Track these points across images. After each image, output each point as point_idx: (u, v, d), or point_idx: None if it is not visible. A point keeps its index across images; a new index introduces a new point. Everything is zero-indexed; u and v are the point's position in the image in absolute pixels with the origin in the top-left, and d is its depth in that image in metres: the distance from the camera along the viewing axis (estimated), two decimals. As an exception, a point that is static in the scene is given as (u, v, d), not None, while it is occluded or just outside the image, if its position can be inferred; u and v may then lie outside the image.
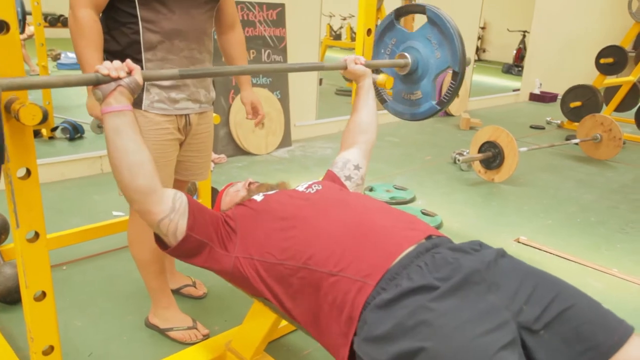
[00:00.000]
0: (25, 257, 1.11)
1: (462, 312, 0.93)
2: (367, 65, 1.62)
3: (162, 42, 1.49)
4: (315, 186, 1.37)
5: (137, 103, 1.49)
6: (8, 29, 1.04)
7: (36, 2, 3.50)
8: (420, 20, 1.81)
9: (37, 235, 1.12)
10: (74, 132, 3.92)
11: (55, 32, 7.50)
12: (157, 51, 1.49)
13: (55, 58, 6.86)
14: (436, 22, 1.68)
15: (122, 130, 1.10)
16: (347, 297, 1.03)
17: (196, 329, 1.80)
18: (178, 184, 1.83)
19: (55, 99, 3.94)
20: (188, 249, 1.20)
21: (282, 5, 4.11)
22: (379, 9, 7.04)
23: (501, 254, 1.09)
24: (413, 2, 1.65)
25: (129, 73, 1.12)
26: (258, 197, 1.33)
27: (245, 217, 1.26)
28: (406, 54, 1.76)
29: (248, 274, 1.19)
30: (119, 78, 1.10)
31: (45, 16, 6.97)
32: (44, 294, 1.16)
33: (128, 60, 1.13)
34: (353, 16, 8.85)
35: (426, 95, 1.79)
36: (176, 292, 2.05)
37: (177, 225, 1.16)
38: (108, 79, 1.09)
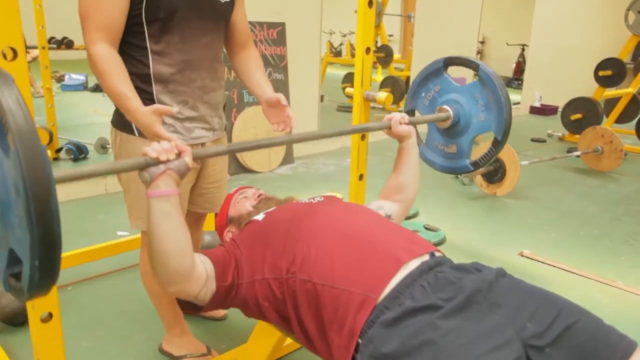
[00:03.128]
0: (33, 279, 1.12)
1: (466, 331, 0.93)
2: (410, 123, 1.58)
3: (173, 74, 1.45)
4: (317, 198, 1.39)
5: None
6: (16, 55, 1.07)
7: (41, 26, 3.56)
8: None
9: (44, 257, 1.13)
10: (78, 153, 3.95)
11: (59, 55, 7.60)
12: (169, 83, 1.46)
13: (59, 80, 6.95)
14: (487, 84, 1.63)
15: (171, 215, 1.07)
16: (348, 310, 1.04)
17: (210, 355, 1.79)
18: (197, 216, 1.82)
19: (60, 120, 3.99)
20: (219, 300, 1.21)
21: (283, 24, 4.16)
22: (377, 26, 7.13)
23: (501, 273, 1.10)
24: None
25: (179, 154, 1.09)
26: (259, 217, 1.34)
27: (249, 242, 1.27)
28: (448, 107, 1.71)
29: (259, 298, 1.21)
30: (167, 161, 1.06)
31: (50, 39, 7.07)
32: (50, 315, 1.17)
33: (178, 142, 1.10)
34: (353, 33, 8.94)
35: (461, 153, 1.76)
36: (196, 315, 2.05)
37: (212, 288, 1.18)
38: (156, 163, 1.06)
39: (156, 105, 1.28)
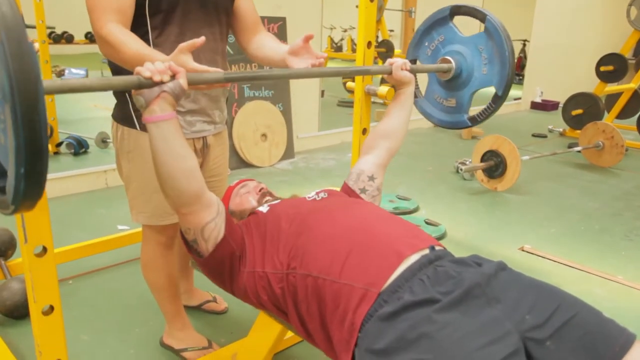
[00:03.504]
0: (34, 271, 1.13)
1: (463, 325, 0.93)
2: (411, 70, 1.56)
3: None
4: (321, 194, 1.39)
5: None
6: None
7: (41, 20, 3.55)
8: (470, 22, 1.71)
9: (45, 249, 1.13)
10: (79, 147, 3.95)
11: (60, 49, 7.60)
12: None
13: (60, 74, 6.92)
14: (493, 36, 1.58)
15: (170, 138, 1.07)
16: (349, 305, 1.04)
17: (211, 348, 1.79)
18: None
19: (60, 114, 3.98)
20: (221, 257, 1.21)
21: (283, 19, 4.15)
22: (378, 21, 7.11)
23: (501, 267, 1.09)
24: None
25: (173, 76, 1.06)
26: (263, 209, 1.34)
27: (252, 232, 1.27)
28: (450, 58, 1.66)
29: (258, 289, 1.21)
30: (162, 82, 1.04)
31: (50, 33, 7.05)
32: (52, 308, 1.18)
33: (172, 62, 1.07)
34: (354, 28, 8.92)
35: (460, 107, 1.72)
36: (197, 308, 2.06)
37: (219, 229, 1.19)
38: (150, 83, 1.03)
39: (180, 45, 1.19)
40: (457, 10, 1.70)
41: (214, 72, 1.17)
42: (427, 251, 1.11)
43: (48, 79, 0.90)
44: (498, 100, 1.64)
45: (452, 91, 1.73)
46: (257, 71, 1.23)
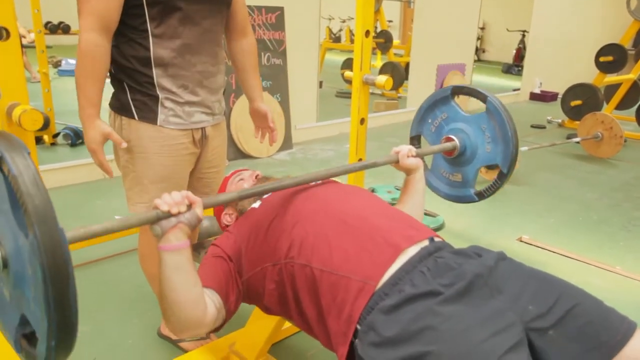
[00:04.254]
0: (29, 262, 1.12)
1: (467, 316, 0.93)
2: (417, 155, 1.54)
3: (173, 58, 1.44)
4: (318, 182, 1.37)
5: (152, 118, 1.47)
6: (8, 35, 1.05)
7: (36, 9, 3.51)
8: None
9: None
10: (76, 138, 3.93)
11: (56, 39, 7.55)
12: (169, 67, 1.44)
13: (56, 65, 6.89)
14: (495, 116, 1.61)
15: (182, 268, 1.05)
16: (347, 297, 1.03)
17: (208, 339, 1.79)
18: None
19: (57, 105, 3.96)
20: (233, 311, 1.21)
21: (281, 9, 4.12)
22: (377, 11, 7.07)
23: (502, 257, 1.09)
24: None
25: (189, 206, 1.06)
26: (256, 205, 1.33)
27: (248, 232, 1.25)
28: (454, 137, 1.69)
29: (258, 287, 1.21)
30: (179, 213, 1.04)
31: (46, 23, 7.00)
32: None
33: (189, 193, 1.07)
34: (352, 18, 8.87)
35: (466, 182, 1.75)
36: None
37: (223, 314, 1.17)
38: (168, 216, 1.03)
39: (109, 130, 1.39)
40: (458, 91, 1.74)
41: (229, 194, 1.20)
42: (426, 243, 1.10)
43: (72, 230, 0.92)
44: (503, 177, 1.67)
45: (458, 167, 1.76)
46: (270, 184, 1.23)
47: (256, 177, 1.49)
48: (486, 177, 3.71)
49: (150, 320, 1.92)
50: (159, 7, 1.38)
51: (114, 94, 1.51)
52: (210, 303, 1.13)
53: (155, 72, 1.44)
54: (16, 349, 0.87)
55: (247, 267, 1.22)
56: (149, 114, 1.47)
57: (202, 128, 1.58)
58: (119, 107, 1.49)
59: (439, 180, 1.83)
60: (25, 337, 0.86)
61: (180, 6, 1.40)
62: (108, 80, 1.44)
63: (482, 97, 1.66)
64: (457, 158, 1.73)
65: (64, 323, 0.78)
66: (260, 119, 1.79)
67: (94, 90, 1.36)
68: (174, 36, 1.43)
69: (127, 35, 1.41)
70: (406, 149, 1.52)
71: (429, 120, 1.81)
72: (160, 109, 1.47)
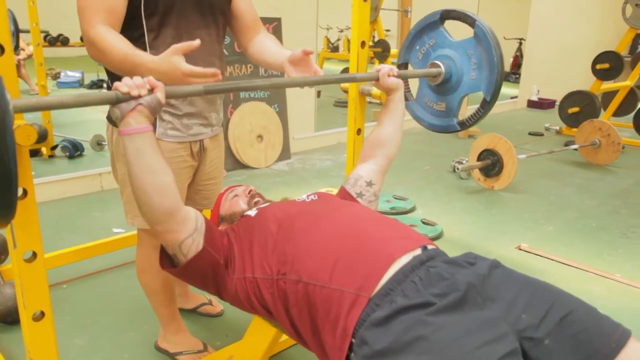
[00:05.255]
0: (23, 277, 1.11)
1: (459, 326, 0.92)
2: (400, 76, 1.55)
3: None
4: (312, 197, 1.38)
5: None
6: (3, 51, 1.05)
7: (35, 22, 3.53)
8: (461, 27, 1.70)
9: (34, 255, 1.11)
10: (74, 150, 3.93)
11: (55, 52, 7.58)
12: None
13: (55, 77, 6.91)
14: (482, 42, 1.59)
15: (144, 152, 1.06)
16: (341, 310, 1.03)
17: (206, 351, 1.78)
18: None
19: (55, 117, 3.97)
20: (199, 267, 1.19)
21: (279, 20, 4.14)
22: (374, 21, 7.10)
23: (495, 265, 1.08)
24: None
25: (151, 90, 1.06)
26: (252, 213, 1.33)
27: (241, 236, 1.26)
28: (440, 63, 1.67)
29: (250, 294, 1.19)
30: (139, 96, 1.04)
31: (45, 36, 7.03)
32: (42, 314, 1.16)
33: (150, 77, 1.07)
34: (350, 28, 8.92)
35: (449, 111, 1.72)
36: (193, 311, 2.04)
37: (198, 243, 1.16)
38: (128, 97, 1.03)
39: (173, 45, 1.18)
40: (447, 15, 1.71)
41: (193, 85, 1.16)
42: (418, 251, 1.10)
43: (20, 98, 0.91)
44: (486, 105, 1.64)
45: (442, 95, 1.73)
46: (237, 82, 1.22)
47: (249, 192, 1.50)
48: (484, 186, 3.71)
49: (146, 334, 1.90)
50: (156, 19, 1.39)
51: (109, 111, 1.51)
52: (190, 212, 1.15)
53: None
54: None
55: (237, 264, 1.21)
56: None
57: (200, 140, 1.57)
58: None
59: (424, 109, 1.81)
60: None
61: (177, 17, 1.41)
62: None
63: (470, 21, 1.63)
64: (442, 85, 1.70)
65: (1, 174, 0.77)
66: (300, 70, 1.47)
67: (132, 48, 1.25)
68: (169, 46, 1.42)
69: None
70: (387, 67, 1.53)
71: (417, 47, 1.78)
72: (158, 122, 1.47)
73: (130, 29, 1.38)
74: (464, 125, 1.71)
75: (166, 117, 1.47)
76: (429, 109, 1.78)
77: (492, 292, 1.00)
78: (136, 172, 1.07)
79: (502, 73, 1.59)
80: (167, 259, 1.22)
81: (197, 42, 1.18)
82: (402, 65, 1.84)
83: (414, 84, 1.87)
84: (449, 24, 1.77)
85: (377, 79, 1.54)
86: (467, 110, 6.41)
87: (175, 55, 1.18)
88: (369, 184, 1.49)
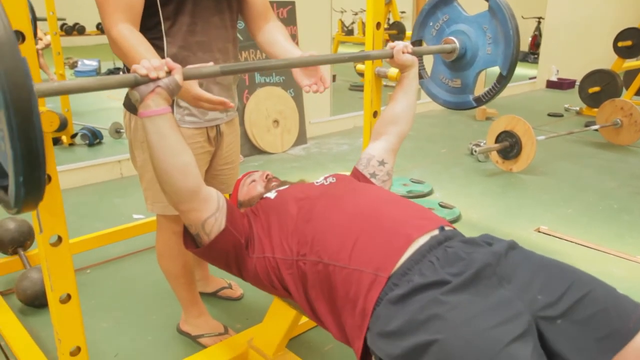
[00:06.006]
0: (50, 260, 1.14)
1: (474, 305, 0.93)
2: (414, 53, 1.54)
3: (186, 57, 1.44)
4: (330, 179, 1.38)
5: None
6: (24, 39, 1.07)
7: (52, 11, 3.56)
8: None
9: (60, 239, 1.14)
10: (93, 138, 3.99)
11: (72, 41, 7.65)
12: (183, 66, 1.46)
13: (73, 66, 6.98)
14: (497, 15, 1.57)
15: (165, 133, 1.07)
16: (360, 290, 1.04)
17: (227, 334, 1.81)
18: None
19: (74, 105, 4.02)
20: (222, 247, 1.21)
21: (293, 3, 4.11)
22: (389, 3, 7.01)
23: (512, 246, 1.08)
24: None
25: (169, 72, 1.07)
26: (271, 195, 1.34)
27: (261, 217, 1.28)
28: (454, 39, 1.65)
29: (270, 274, 1.21)
30: (158, 78, 1.05)
31: (61, 25, 7.10)
32: (69, 297, 1.19)
33: (168, 59, 1.09)
34: (364, 10, 8.82)
35: (465, 87, 1.71)
36: (213, 295, 2.08)
37: (220, 223, 1.19)
38: (147, 80, 1.04)
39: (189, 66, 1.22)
40: None
41: (210, 66, 1.18)
42: (436, 232, 1.10)
43: (41, 82, 0.93)
44: (503, 80, 1.62)
45: (457, 71, 1.71)
46: (253, 62, 1.22)
47: (266, 176, 1.52)
48: (502, 168, 3.68)
49: (169, 317, 1.94)
50: (172, 6, 1.39)
51: (127, 93, 1.53)
52: (212, 191, 1.18)
53: None
54: None
55: (257, 244, 1.23)
56: None
57: (216, 125, 1.59)
58: (133, 106, 1.51)
59: (438, 87, 1.80)
60: (2, 189, 0.88)
61: (192, 4, 1.41)
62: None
63: None
64: (456, 62, 1.68)
65: (28, 153, 0.79)
66: (307, 72, 1.49)
67: (150, 53, 1.27)
68: (186, 34, 1.43)
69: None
70: (401, 44, 1.52)
71: (430, 23, 1.76)
72: (175, 108, 1.48)
73: (146, 17, 1.38)
74: (480, 101, 1.70)
75: (183, 103, 1.48)
76: (444, 85, 1.77)
77: (508, 272, 1.00)
78: (158, 154, 1.09)
79: (519, 46, 1.57)
80: (190, 240, 1.24)
81: (210, 64, 1.22)
82: (416, 43, 1.82)
83: (428, 61, 1.85)
84: (463, 0, 1.74)
85: (391, 56, 1.53)
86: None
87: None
88: (381, 163, 1.48)
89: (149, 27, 1.40)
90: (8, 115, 0.76)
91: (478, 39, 1.63)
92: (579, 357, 0.93)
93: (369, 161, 1.49)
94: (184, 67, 1.35)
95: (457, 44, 1.66)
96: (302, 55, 1.44)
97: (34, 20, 4.47)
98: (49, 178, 1.10)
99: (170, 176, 1.10)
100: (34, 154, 0.79)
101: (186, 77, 1.12)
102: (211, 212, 1.17)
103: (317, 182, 1.39)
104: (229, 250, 1.22)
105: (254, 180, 1.52)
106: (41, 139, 0.80)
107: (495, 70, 1.69)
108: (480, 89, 1.68)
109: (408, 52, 1.52)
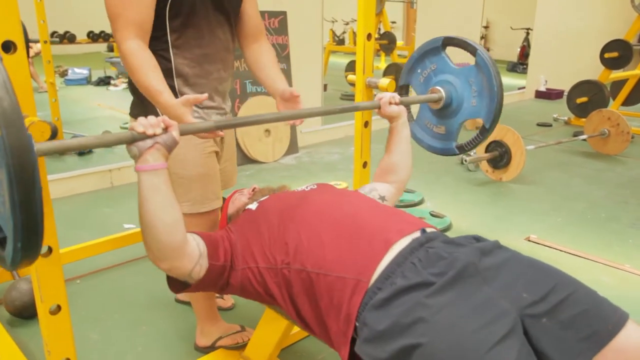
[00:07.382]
0: (40, 271, 1.13)
1: (458, 306, 0.94)
2: (401, 102, 1.58)
3: (193, 68, 1.48)
4: (310, 187, 1.41)
5: None
6: (15, 49, 1.07)
7: (42, 20, 3.55)
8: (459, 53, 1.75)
9: (50, 250, 1.14)
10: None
11: (62, 49, 7.61)
12: (189, 77, 1.48)
13: (63, 74, 6.95)
14: (483, 70, 1.63)
15: (159, 188, 1.08)
16: (343, 296, 1.05)
17: (245, 331, 1.80)
18: None
19: (64, 114, 4.00)
20: (210, 279, 1.21)
21: (284, 13, 4.14)
22: (380, 13, 7.08)
23: (497, 245, 1.10)
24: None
25: (165, 129, 1.09)
26: (253, 206, 1.36)
27: (243, 229, 1.28)
28: (441, 88, 1.71)
29: (253, 283, 1.22)
30: (154, 135, 1.06)
31: (52, 33, 7.07)
32: (59, 308, 1.18)
33: (165, 117, 1.11)
34: (355, 20, 8.88)
35: (449, 134, 1.77)
36: None
37: (204, 265, 1.19)
38: (144, 137, 1.06)
39: (185, 96, 1.28)
40: (448, 42, 1.74)
41: (205, 122, 1.24)
42: (418, 234, 1.11)
43: (43, 142, 0.98)
44: (485, 132, 1.70)
45: (442, 119, 1.78)
46: (247, 117, 1.29)
47: (253, 189, 1.55)
48: (492, 177, 3.71)
49: (159, 327, 1.93)
50: (179, 20, 1.42)
51: (134, 103, 1.55)
52: (192, 241, 1.17)
53: (177, 82, 1.48)
54: None
55: (240, 257, 1.23)
56: None
57: None
58: (143, 114, 1.52)
59: (423, 131, 1.84)
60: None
61: (198, 18, 1.44)
62: (120, 88, 1.45)
63: (471, 50, 1.66)
64: (442, 110, 1.73)
65: (28, 224, 0.82)
66: (288, 106, 1.57)
67: (156, 79, 1.32)
68: (192, 47, 1.47)
69: (149, 47, 1.41)
70: (388, 95, 1.56)
71: (418, 71, 1.81)
72: None
73: (155, 29, 1.41)
74: (462, 149, 1.76)
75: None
76: (429, 131, 1.83)
77: (493, 270, 1.02)
78: (150, 207, 1.08)
79: (502, 101, 1.63)
80: (176, 283, 1.24)
81: (204, 96, 1.27)
82: (404, 87, 1.88)
83: (415, 105, 1.89)
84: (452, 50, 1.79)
85: (379, 107, 1.57)
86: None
87: (184, 106, 1.27)
88: (382, 198, 1.52)
89: (156, 37, 1.43)
90: (11, 187, 0.78)
91: (464, 90, 1.69)
92: (560, 357, 0.95)
93: (371, 191, 1.53)
94: (191, 82, 1.37)
95: (444, 94, 1.71)
96: (283, 93, 1.53)
97: (25, 36, 4.47)
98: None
99: (157, 231, 1.09)
100: (33, 224, 0.82)
101: (182, 133, 1.14)
102: (195, 261, 1.17)
103: (298, 190, 1.41)
104: (218, 279, 1.23)
105: (241, 194, 1.56)
106: (41, 212, 0.83)
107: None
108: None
109: (395, 103, 1.56)
